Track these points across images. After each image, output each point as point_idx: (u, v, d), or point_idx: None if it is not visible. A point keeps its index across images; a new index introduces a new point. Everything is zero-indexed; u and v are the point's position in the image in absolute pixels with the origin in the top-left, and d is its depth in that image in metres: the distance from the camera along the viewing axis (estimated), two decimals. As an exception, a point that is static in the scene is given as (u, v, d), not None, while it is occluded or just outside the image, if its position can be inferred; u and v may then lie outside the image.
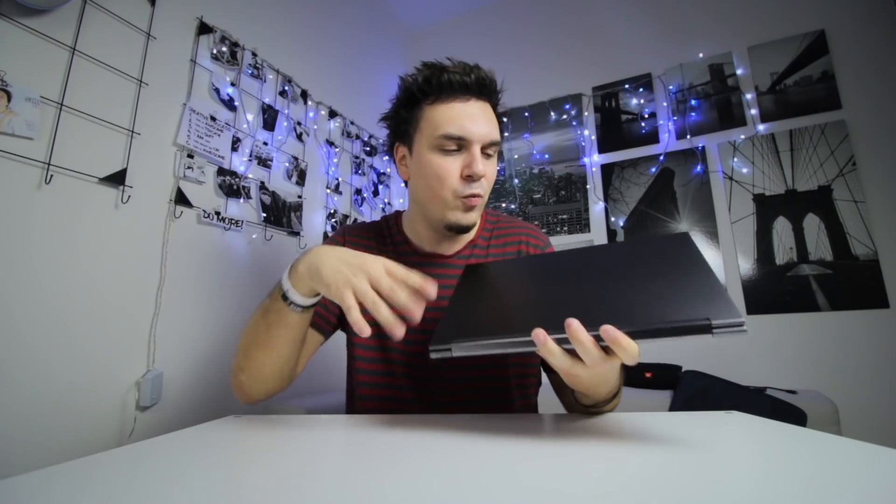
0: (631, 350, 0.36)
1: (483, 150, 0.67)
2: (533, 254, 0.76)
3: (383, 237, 0.79)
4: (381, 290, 0.48)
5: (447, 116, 0.66)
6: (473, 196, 0.66)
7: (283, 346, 0.59)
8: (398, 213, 0.83)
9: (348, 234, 0.80)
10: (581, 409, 0.56)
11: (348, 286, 0.49)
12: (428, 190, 0.68)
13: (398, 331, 0.47)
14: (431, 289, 0.49)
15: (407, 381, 0.71)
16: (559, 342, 0.38)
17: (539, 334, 0.38)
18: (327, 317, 0.73)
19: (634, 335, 0.37)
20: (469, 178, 0.65)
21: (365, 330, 0.47)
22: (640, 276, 0.45)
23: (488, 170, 0.67)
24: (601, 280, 0.46)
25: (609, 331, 0.36)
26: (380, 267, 0.50)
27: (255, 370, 0.60)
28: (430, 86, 0.67)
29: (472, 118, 0.65)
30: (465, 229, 0.70)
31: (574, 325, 0.37)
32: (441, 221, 0.69)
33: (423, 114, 0.68)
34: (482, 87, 0.67)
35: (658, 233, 1.92)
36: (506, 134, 2.32)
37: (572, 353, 0.39)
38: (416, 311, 0.48)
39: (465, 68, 0.67)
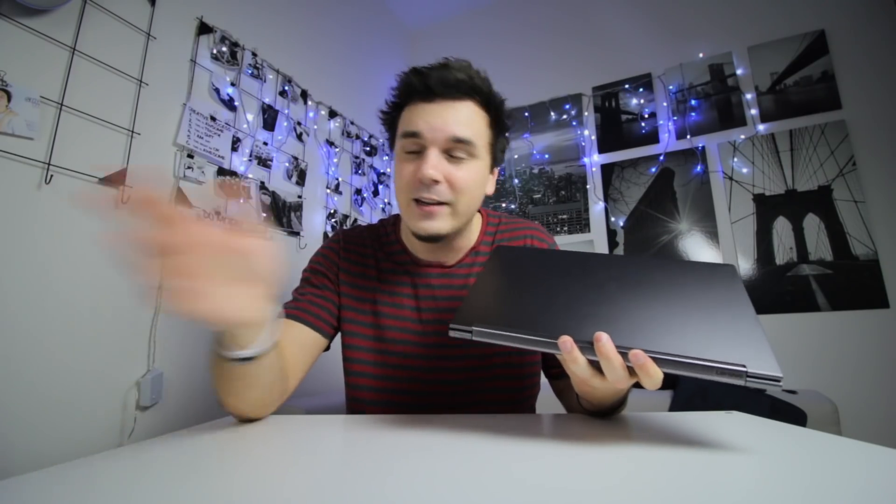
0: (655, 378, 0.36)
1: (447, 151, 0.61)
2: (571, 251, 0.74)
3: (381, 243, 0.76)
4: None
5: (408, 117, 0.64)
6: (423, 202, 0.61)
7: (255, 389, 0.50)
8: (397, 218, 0.78)
9: (344, 238, 0.77)
10: (582, 412, 0.56)
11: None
12: (396, 195, 0.67)
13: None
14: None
15: (406, 384, 0.70)
16: (582, 350, 0.37)
17: (566, 343, 0.37)
18: (328, 318, 0.70)
19: (663, 363, 0.35)
20: (420, 181, 0.60)
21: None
22: (677, 299, 0.43)
23: (450, 172, 0.61)
24: (636, 294, 0.44)
25: (639, 356, 0.35)
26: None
27: (236, 406, 0.52)
28: (402, 90, 0.65)
29: (429, 115, 0.61)
30: (433, 238, 0.64)
31: (604, 341, 0.36)
32: (410, 229, 0.66)
33: (401, 118, 0.67)
34: (447, 87, 0.62)
35: (658, 232, 1.92)
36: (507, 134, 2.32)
37: (594, 364, 0.39)
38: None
39: (435, 69, 0.63)
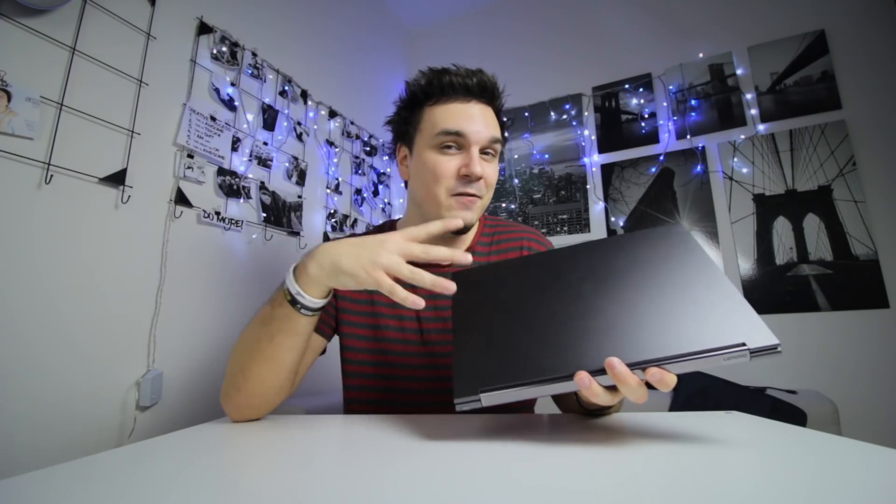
0: (672, 384, 0.36)
1: (482, 151, 0.67)
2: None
3: None
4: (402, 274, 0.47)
5: (447, 115, 0.67)
6: (468, 195, 0.66)
7: (287, 356, 0.56)
8: (393, 222, 0.83)
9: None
10: (580, 412, 0.56)
11: (378, 267, 0.47)
12: (424, 188, 0.69)
13: (442, 286, 0.46)
14: (463, 258, 0.48)
15: (403, 382, 0.70)
16: (594, 374, 0.37)
17: (584, 379, 0.36)
18: (327, 320, 0.72)
19: (673, 367, 0.36)
20: (466, 177, 0.65)
21: (419, 302, 0.46)
22: (653, 286, 0.42)
23: (487, 171, 0.67)
24: (612, 292, 0.43)
25: (656, 374, 0.36)
26: (395, 242, 0.49)
27: (255, 385, 0.56)
28: (432, 87, 0.68)
29: (471, 118, 0.66)
30: (465, 229, 0.69)
31: (617, 367, 0.36)
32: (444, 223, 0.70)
33: (425, 114, 0.69)
34: (483, 90, 0.68)
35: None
36: (506, 134, 2.32)
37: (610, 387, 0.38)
38: (449, 286, 0.47)
39: (467, 72, 0.68)
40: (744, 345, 0.34)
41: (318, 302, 0.53)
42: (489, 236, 0.78)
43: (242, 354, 0.57)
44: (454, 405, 0.39)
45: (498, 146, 0.69)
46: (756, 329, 0.35)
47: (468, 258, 0.48)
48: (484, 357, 0.42)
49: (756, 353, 0.34)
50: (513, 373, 0.39)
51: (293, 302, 0.53)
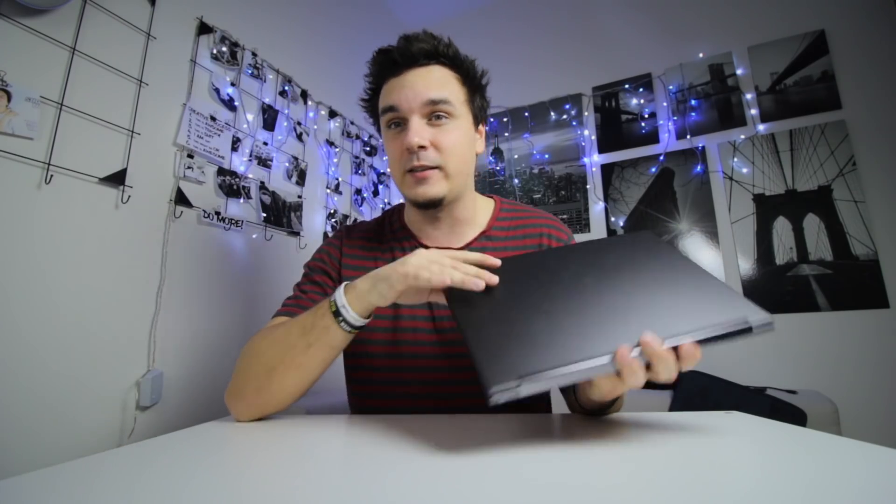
0: (699, 356, 0.37)
1: (429, 116, 0.63)
2: (554, 247, 0.71)
3: (384, 234, 0.76)
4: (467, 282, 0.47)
5: (385, 93, 0.66)
6: (417, 169, 0.63)
7: (317, 367, 0.56)
8: (401, 206, 0.79)
9: (347, 233, 0.77)
10: (582, 411, 0.55)
11: (445, 272, 0.47)
12: (391, 173, 0.69)
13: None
14: (493, 260, 0.50)
15: (418, 373, 0.67)
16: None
17: (624, 353, 0.35)
18: None
19: (697, 336, 0.37)
20: (408, 150, 0.62)
21: (492, 278, 0.47)
22: (648, 279, 0.44)
23: (437, 137, 0.63)
24: (618, 284, 0.43)
25: (689, 348, 0.36)
26: (448, 257, 0.50)
27: (278, 390, 0.55)
28: (373, 72, 0.68)
29: (402, 88, 0.63)
30: (432, 203, 0.65)
31: (654, 343, 0.36)
32: (409, 201, 0.68)
33: (379, 101, 0.69)
34: (411, 56, 0.64)
35: (659, 232, 1.91)
36: (506, 121, 2.32)
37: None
38: (494, 279, 0.47)
39: (397, 44, 0.65)
40: (746, 322, 0.37)
41: (360, 320, 0.53)
42: (507, 220, 0.74)
43: (272, 358, 0.56)
44: (485, 398, 0.35)
45: (446, 106, 0.63)
46: (752, 309, 0.38)
47: (496, 262, 0.49)
48: (507, 347, 0.39)
49: (758, 328, 0.37)
50: (546, 358, 0.37)
51: (336, 314, 0.53)
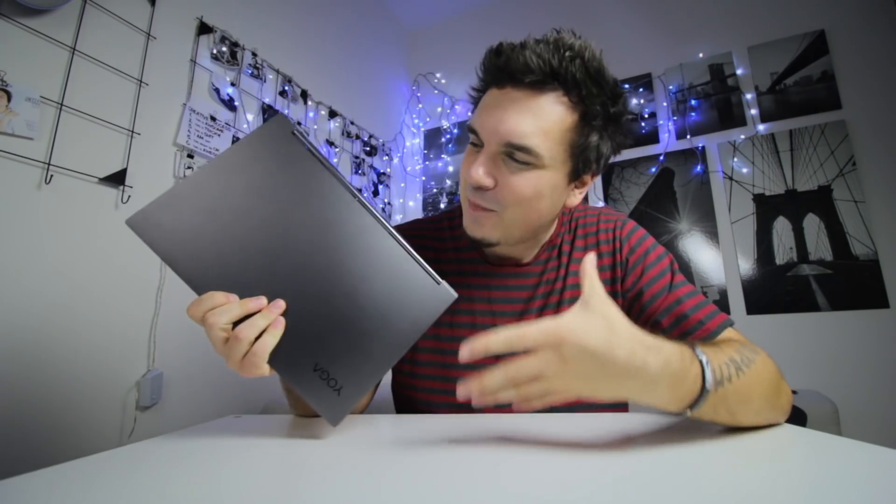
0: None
1: (503, 153, 0.51)
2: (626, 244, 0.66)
3: (443, 240, 0.68)
4: None
5: (480, 105, 0.56)
6: (470, 203, 0.55)
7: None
8: (460, 209, 0.66)
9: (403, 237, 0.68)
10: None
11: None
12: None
13: None
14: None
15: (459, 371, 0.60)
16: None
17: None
18: None
19: None
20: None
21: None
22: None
23: (508, 181, 0.51)
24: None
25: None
26: None
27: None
28: (483, 72, 0.56)
29: (491, 109, 0.52)
30: (480, 244, 0.57)
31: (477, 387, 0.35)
32: None
33: None
34: (516, 73, 0.50)
35: (658, 232, 1.91)
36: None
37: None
38: None
39: (507, 49, 0.52)
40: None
41: None
42: (569, 224, 0.66)
43: None
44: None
45: (525, 156, 0.50)
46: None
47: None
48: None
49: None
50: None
51: None
